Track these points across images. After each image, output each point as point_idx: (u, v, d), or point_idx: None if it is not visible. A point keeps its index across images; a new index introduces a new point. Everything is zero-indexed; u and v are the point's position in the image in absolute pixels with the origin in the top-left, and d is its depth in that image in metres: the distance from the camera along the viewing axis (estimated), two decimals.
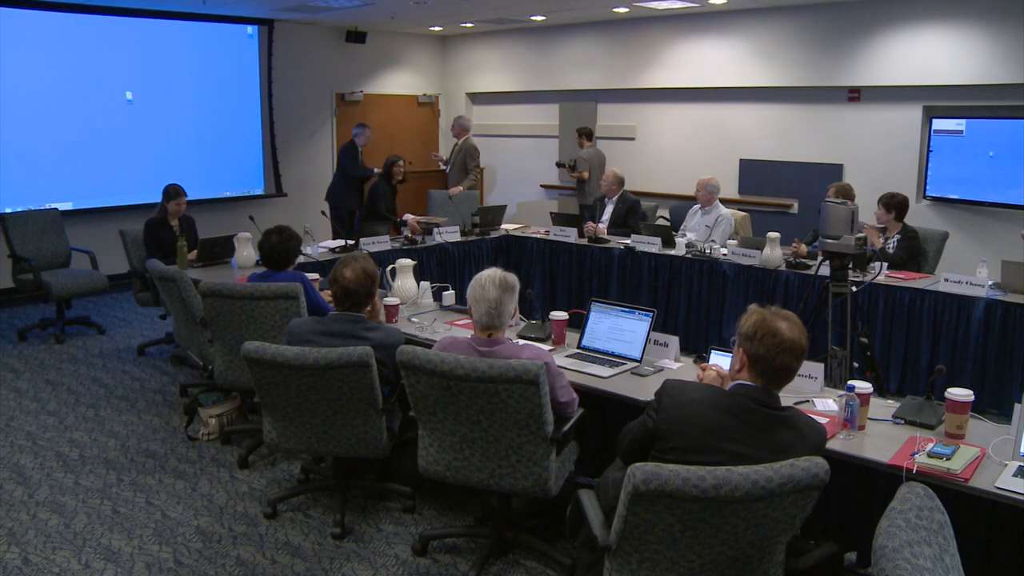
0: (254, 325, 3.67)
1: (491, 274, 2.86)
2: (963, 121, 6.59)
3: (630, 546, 2.04)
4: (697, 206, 6.35)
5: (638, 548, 2.04)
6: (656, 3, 7.44)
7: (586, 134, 8.45)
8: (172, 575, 2.93)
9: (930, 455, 2.33)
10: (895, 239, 5.16)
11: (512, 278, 2.88)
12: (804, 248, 5.29)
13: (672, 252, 5.74)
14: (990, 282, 4.57)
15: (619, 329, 3.43)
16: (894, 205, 5.14)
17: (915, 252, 5.12)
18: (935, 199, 6.74)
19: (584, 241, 6.30)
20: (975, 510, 2.29)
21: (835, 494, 2.63)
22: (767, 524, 1.99)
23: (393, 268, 4.34)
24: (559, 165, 8.82)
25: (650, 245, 5.84)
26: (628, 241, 5.99)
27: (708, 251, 5.59)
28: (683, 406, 2.18)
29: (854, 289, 4.16)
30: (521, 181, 9.97)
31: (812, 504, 2.00)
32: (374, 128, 10.13)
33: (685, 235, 6.06)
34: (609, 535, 2.06)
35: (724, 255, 5.55)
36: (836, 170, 7.24)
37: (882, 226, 5.24)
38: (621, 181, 6.64)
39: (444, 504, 3.46)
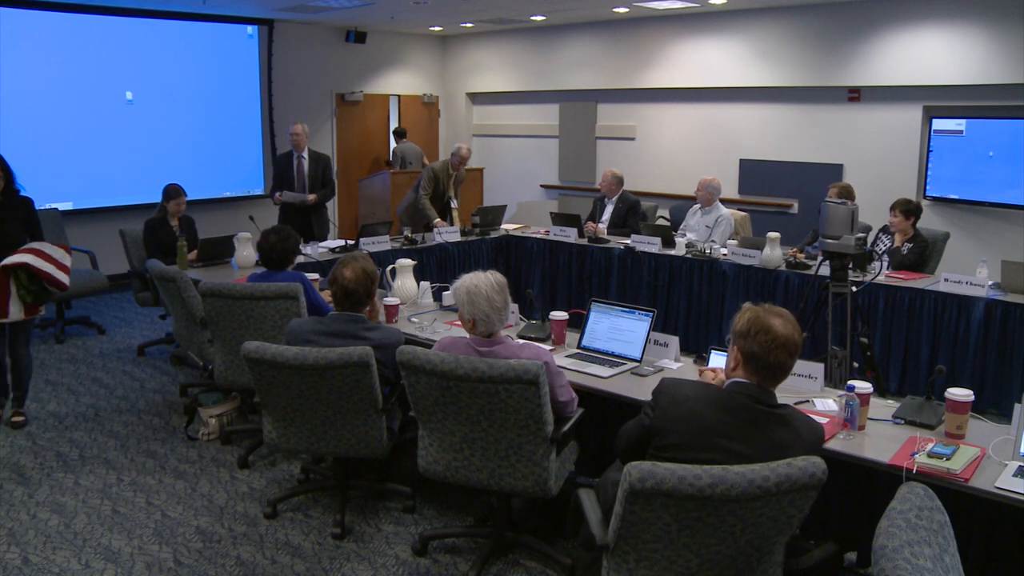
0: (254, 325, 3.67)
1: (488, 282, 2.82)
2: (963, 121, 6.59)
3: (627, 545, 2.04)
4: (697, 206, 6.35)
5: (635, 547, 2.04)
6: (656, 3, 7.44)
7: (398, 133, 9.99)
8: (172, 575, 2.93)
9: (930, 455, 2.33)
10: (907, 245, 5.14)
11: (501, 276, 2.88)
12: (802, 256, 5.30)
13: (672, 252, 5.73)
14: (990, 282, 4.57)
15: (619, 329, 3.43)
16: (911, 211, 5.12)
17: (926, 258, 5.12)
18: (935, 199, 6.74)
19: (584, 241, 6.30)
20: (975, 510, 2.29)
21: (835, 494, 2.63)
22: (765, 524, 1.99)
23: (393, 268, 4.34)
24: (388, 164, 9.98)
25: (650, 245, 5.84)
26: (628, 241, 5.99)
27: (708, 251, 5.59)
28: (679, 404, 2.19)
29: (854, 289, 4.16)
30: (521, 181, 9.97)
31: (810, 504, 2.00)
32: (375, 127, 10.19)
33: (685, 235, 6.06)
34: (607, 534, 2.06)
35: (724, 255, 5.55)
36: (836, 170, 7.25)
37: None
38: (621, 181, 6.64)
39: (444, 504, 3.46)
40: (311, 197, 6.39)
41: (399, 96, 10.42)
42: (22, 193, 4.32)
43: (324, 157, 6.69)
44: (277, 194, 6.45)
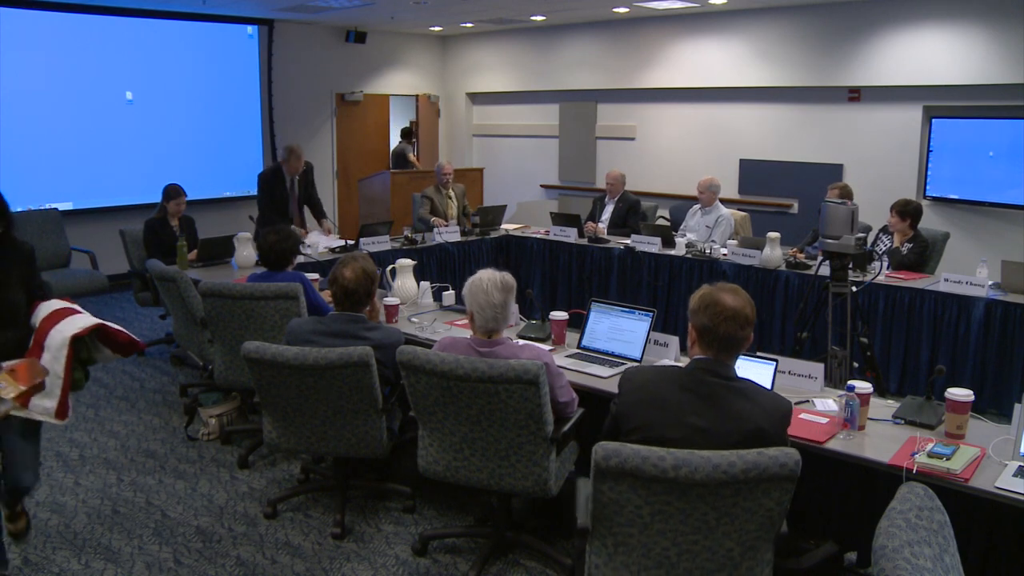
0: (254, 325, 3.67)
1: (491, 277, 2.83)
2: (963, 121, 6.59)
3: (604, 528, 2.10)
4: (697, 206, 6.36)
5: (612, 530, 2.09)
6: (656, 3, 7.44)
7: (402, 133, 10.57)
8: (172, 575, 2.93)
9: (930, 455, 2.33)
10: (907, 245, 5.14)
11: (510, 278, 2.88)
12: (802, 256, 5.30)
13: (672, 252, 5.74)
14: (990, 282, 4.57)
15: (619, 329, 3.43)
16: (909, 212, 5.10)
17: (926, 258, 5.12)
18: (935, 199, 6.74)
19: (584, 241, 6.30)
20: (975, 510, 2.29)
21: (835, 494, 2.63)
22: (741, 516, 2.01)
23: (393, 268, 4.34)
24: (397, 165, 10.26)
25: (650, 245, 5.84)
26: (628, 241, 5.99)
27: (708, 251, 5.59)
28: (640, 387, 2.27)
29: (854, 289, 4.16)
30: (521, 181, 9.97)
31: (788, 498, 2.01)
32: (375, 128, 10.18)
33: (685, 235, 6.06)
34: (588, 518, 2.13)
35: (724, 255, 5.56)
36: (836, 170, 7.24)
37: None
38: (624, 181, 6.67)
39: (444, 504, 3.46)
40: (327, 227, 6.28)
41: (416, 96, 10.45)
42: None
43: (308, 167, 6.34)
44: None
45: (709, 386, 2.17)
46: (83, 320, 2.69)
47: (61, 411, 2.65)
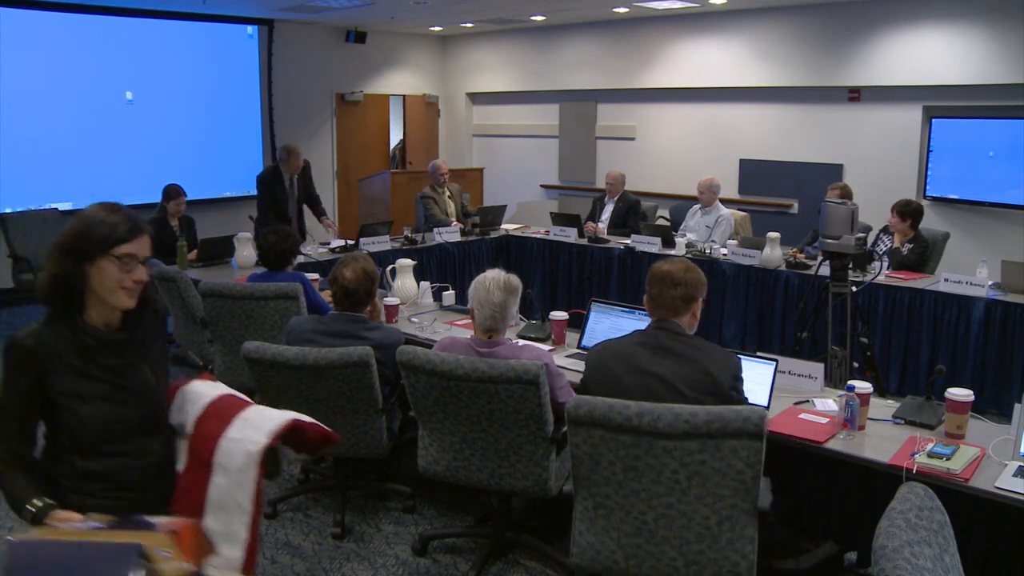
0: (254, 325, 3.67)
1: (495, 276, 2.85)
2: (963, 121, 6.59)
3: (585, 490, 2.23)
4: (697, 206, 6.36)
5: (591, 491, 2.22)
6: (656, 3, 7.44)
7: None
8: None
9: (930, 455, 2.33)
10: (907, 246, 5.14)
11: (515, 280, 2.88)
12: (802, 256, 5.30)
13: (672, 252, 5.73)
14: (990, 282, 4.57)
15: (619, 329, 3.42)
16: (909, 213, 5.10)
17: (926, 258, 5.12)
18: (935, 199, 6.74)
19: (584, 241, 6.30)
20: (975, 510, 2.29)
21: (835, 494, 2.63)
22: (711, 476, 2.08)
23: (393, 268, 4.34)
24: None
25: (650, 245, 5.84)
26: (628, 241, 6.00)
27: (708, 251, 5.59)
28: (600, 350, 2.53)
29: (854, 289, 4.16)
30: (521, 181, 9.97)
31: (758, 460, 2.07)
32: (374, 128, 10.18)
33: (685, 235, 6.06)
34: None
35: (724, 255, 5.56)
36: (836, 170, 7.24)
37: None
38: (624, 181, 6.67)
39: (444, 504, 3.46)
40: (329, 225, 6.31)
41: (404, 96, 10.43)
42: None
43: (305, 165, 6.22)
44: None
45: (660, 339, 2.42)
46: (265, 420, 1.81)
47: (249, 562, 1.70)
